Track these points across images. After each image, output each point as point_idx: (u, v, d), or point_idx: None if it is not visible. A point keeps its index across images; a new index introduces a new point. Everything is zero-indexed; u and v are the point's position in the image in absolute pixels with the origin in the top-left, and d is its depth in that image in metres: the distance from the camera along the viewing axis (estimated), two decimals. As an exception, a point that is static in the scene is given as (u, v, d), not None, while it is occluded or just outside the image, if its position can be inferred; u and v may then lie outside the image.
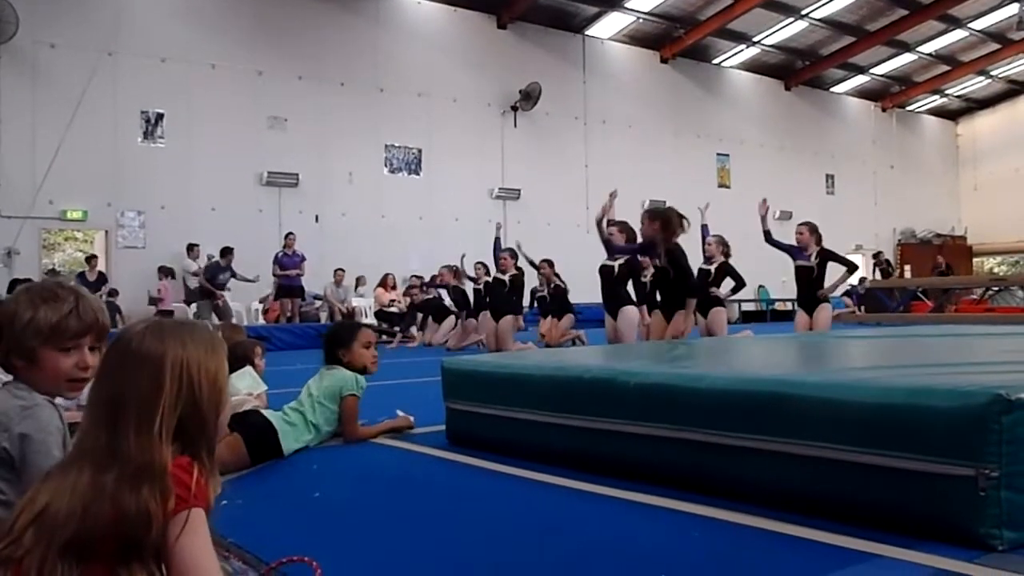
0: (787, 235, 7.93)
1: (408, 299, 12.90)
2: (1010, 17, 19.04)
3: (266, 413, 3.25)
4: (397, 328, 12.48)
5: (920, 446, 1.87)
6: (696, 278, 6.63)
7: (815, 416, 2.09)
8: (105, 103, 12.92)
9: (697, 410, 2.37)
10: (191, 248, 12.91)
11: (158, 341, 1.30)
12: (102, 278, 12.49)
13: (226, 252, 12.50)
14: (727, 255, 8.07)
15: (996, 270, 25.74)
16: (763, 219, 7.67)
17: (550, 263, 10.40)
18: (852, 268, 7.73)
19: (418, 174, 16.15)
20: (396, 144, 15.88)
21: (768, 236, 7.54)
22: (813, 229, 7.44)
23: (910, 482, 1.88)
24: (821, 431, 2.06)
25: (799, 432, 2.11)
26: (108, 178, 13.02)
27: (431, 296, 12.41)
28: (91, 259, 12.74)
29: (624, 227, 7.34)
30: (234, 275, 12.58)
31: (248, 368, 3.73)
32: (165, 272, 12.76)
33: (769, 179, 20.75)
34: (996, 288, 14.56)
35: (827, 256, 7.36)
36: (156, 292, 12.64)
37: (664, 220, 6.21)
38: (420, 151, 16.14)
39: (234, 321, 11.84)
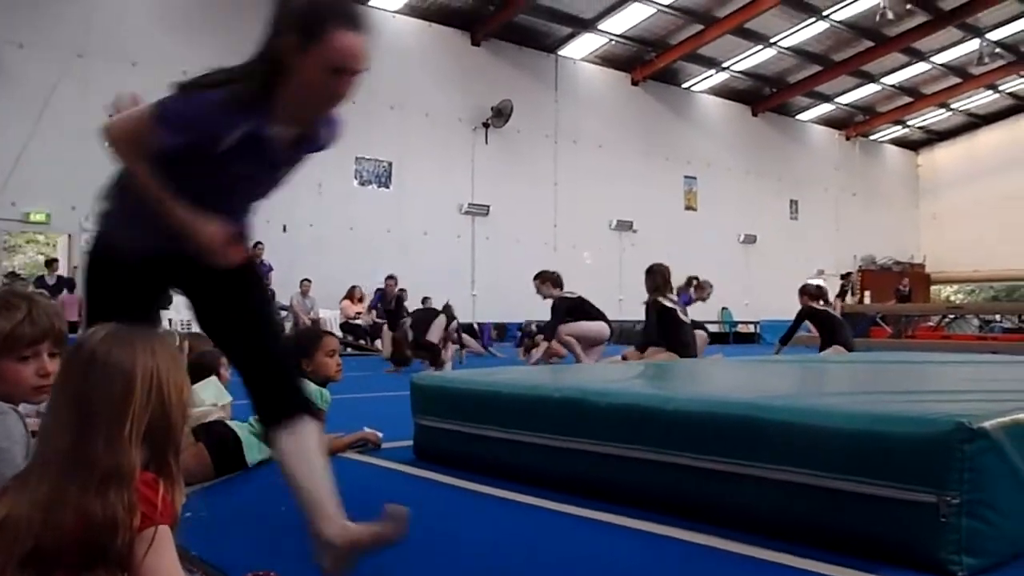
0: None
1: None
2: (971, 52, 19.59)
3: (231, 424, 3.21)
4: (363, 341, 12.39)
5: (884, 472, 1.90)
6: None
7: (781, 440, 2.11)
8: (73, 106, 12.69)
9: (665, 431, 2.39)
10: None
11: (128, 350, 1.28)
12: (62, 282, 12.25)
13: None
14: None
15: (953, 298, 26.35)
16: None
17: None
18: (785, 338, 7.91)
19: (388, 187, 16.11)
20: (367, 156, 15.82)
21: (788, 339, 7.82)
22: (800, 291, 7.72)
23: (874, 507, 1.92)
24: (787, 455, 2.09)
25: (765, 456, 2.14)
26: (73, 182, 12.72)
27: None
28: (51, 263, 12.50)
29: (543, 277, 7.91)
30: None
31: (213, 378, 3.67)
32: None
33: (735, 203, 21.09)
34: (952, 316, 14.90)
35: (801, 312, 7.67)
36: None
37: (647, 273, 6.49)
38: (390, 164, 16.10)
39: (197, 330, 11.65)
